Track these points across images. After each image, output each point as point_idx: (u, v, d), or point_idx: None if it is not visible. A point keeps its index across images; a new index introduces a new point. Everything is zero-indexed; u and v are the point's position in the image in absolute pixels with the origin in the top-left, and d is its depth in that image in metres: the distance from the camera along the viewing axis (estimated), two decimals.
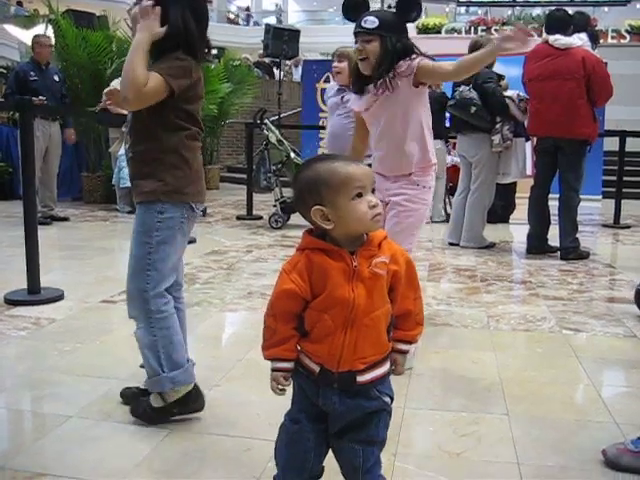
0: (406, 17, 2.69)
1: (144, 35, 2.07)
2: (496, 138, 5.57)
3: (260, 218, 7.31)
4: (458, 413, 2.34)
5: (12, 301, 3.67)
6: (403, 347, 1.61)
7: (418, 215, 2.82)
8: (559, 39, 5.11)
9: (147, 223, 2.17)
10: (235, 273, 4.60)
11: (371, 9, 2.80)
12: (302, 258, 1.49)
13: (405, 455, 2.01)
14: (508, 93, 5.54)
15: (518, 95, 5.55)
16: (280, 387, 1.55)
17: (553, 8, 6.04)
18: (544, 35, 5.35)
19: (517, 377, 2.73)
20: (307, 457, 1.59)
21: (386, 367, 1.56)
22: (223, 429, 2.19)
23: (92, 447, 2.05)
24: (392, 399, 1.58)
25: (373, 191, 1.51)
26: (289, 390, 1.55)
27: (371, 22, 2.65)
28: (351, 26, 2.74)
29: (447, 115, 6.55)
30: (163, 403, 2.21)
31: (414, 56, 2.69)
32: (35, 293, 3.76)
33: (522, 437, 2.14)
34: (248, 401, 2.32)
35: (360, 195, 1.45)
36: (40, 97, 6.30)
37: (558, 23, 5.22)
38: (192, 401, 2.24)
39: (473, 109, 5.49)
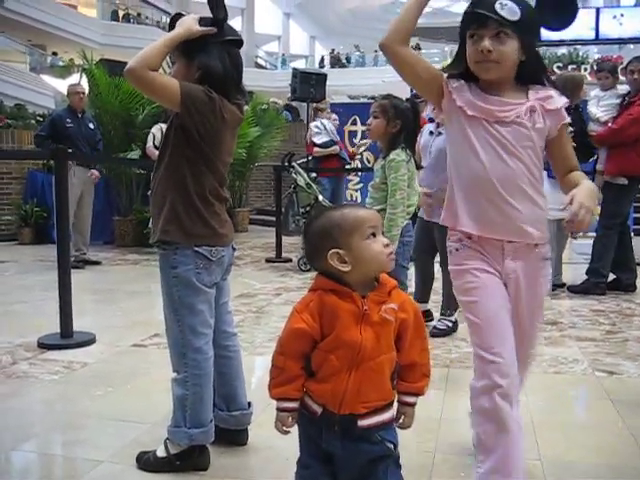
0: (555, 18, 1.83)
1: (180, 30, 2.06)
2: None
3: (289, 261, 7.34)
4: None
5: (45, 345, 3.73)
6: (410, 399, 1.60)
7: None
8: None
9: (165, 278, 2.18)
10: (264, 316, 4.61)
11: None
12: (314, 298, 1.54)
13: None
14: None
15: None
16: (285, 428, 1.55)
17: (579, 47, 6.08)
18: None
19: (549, 421, 2.68)
20: None
21: (388, 414, 1.55)
22: (253, 474, 2.18)
23: None
24: (395, 446, 1.55)
25: (383, 234, 1.55)
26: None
27: (511, 11, 1.73)
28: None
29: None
30: (166, 454, 2.19)
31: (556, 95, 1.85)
32: (67, 337, 3.81)
33: None
34: (277, 446, 2.32)
35: (374, 235, 1.51)
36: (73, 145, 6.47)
37: None
38: (195, 456, 2.19)
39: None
